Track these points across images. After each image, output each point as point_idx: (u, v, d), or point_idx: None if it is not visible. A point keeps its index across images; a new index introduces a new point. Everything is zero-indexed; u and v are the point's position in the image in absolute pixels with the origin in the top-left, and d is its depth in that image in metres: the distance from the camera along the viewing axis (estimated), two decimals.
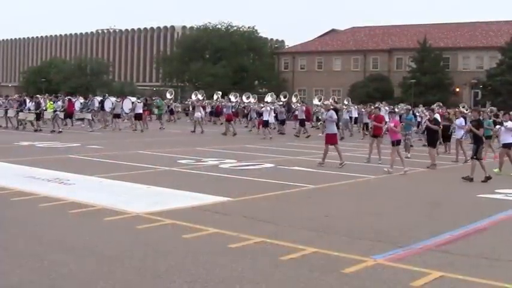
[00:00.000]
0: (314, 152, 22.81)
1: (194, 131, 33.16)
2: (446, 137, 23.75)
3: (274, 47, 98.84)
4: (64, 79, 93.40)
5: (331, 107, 22.25)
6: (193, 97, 41.61)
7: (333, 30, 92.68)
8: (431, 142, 19.53)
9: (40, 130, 30.91)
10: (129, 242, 8.16)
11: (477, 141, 16.36)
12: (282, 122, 35.88)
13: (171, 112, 48.44)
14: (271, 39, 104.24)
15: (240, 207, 11.05)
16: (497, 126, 21.07)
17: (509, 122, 18.33)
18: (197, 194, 12.15)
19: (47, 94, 46.85)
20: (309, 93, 76.06)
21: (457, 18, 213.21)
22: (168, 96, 48.65)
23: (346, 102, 37.91)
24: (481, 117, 18.76)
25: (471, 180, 15.71)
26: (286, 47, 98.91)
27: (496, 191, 14.02)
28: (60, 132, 30.25)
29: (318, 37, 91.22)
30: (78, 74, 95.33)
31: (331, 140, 18.79)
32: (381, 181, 15.74)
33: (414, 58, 71.78)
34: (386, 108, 32.28)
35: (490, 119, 24.99)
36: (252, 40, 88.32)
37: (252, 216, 10.13)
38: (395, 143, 17.71)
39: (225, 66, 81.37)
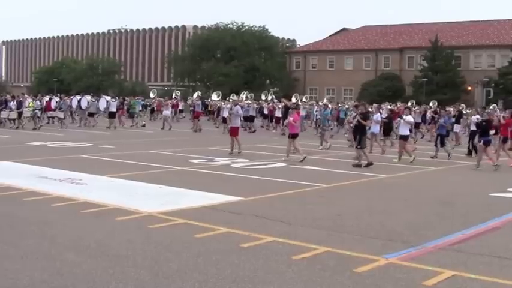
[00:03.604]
0: (325, 151, 22.80)
1: (163, 128, 35.11)
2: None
3: (285, 46, 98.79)
4: (75, 79, 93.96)
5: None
6: (176, 96, 42.73)
7: (344, 29, 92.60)
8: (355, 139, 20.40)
9: (23, 127, 32.67)
10: (141, 242, 8.17)
11: (361, 132, 18.41)
12: (251, 119, 37.32)
13: (152, 111, 49.09)
14: (283, 38, 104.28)
15: (252, 206, 11.04)
16: (398, 119, 23.00)
17: (409, 116, 20.63)
18: (209, 194, 12.15)
19: (31, 94, 48.68)
20: (321, 92, 76.10)
21: (468, 16, 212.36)
22: (151, 95, 49.27)
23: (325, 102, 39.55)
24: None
25: (360, 166, 17.63)
26: (298, 46, 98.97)
27: (509, 189, 13.97)
28: (40, 127, 32.90)
29: (329, 36, 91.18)
30: (89, 73, 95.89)
31: (234, 132, 21.14)
32: (392, 180, 15.70)
33: (426, 57, 71.56)
34: (329, 106, 33.63)
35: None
36: (264, 39, 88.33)
37: (264, 215, 10.12)
38: (291, 136, 19.49)
39: (237, 66, 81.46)
